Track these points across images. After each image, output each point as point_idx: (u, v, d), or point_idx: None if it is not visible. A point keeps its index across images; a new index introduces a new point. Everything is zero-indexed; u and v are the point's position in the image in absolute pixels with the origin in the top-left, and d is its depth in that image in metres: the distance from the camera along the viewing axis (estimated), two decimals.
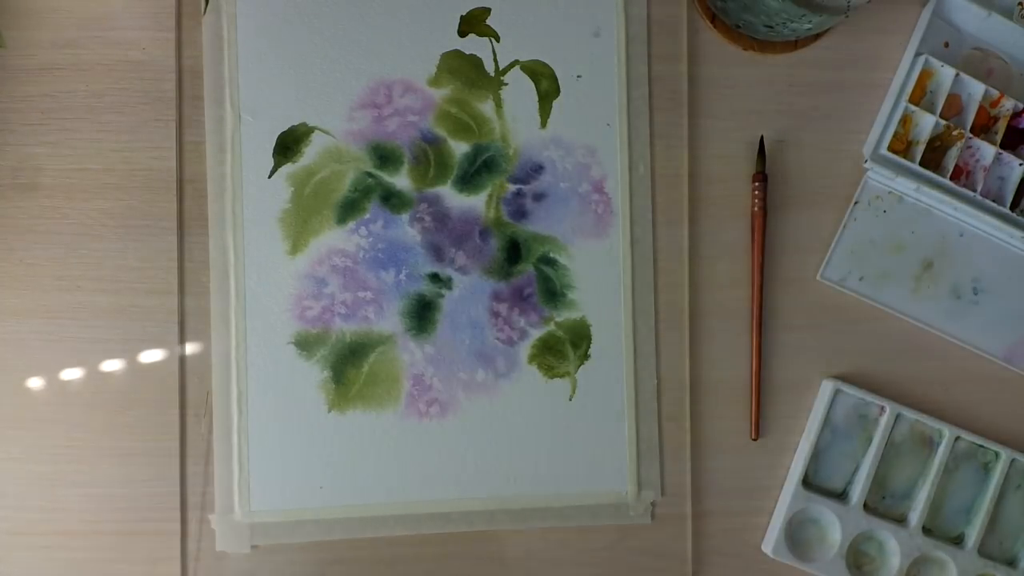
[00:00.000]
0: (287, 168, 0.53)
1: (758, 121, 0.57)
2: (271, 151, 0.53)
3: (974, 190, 0.56)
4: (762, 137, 0.56)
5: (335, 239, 0.54)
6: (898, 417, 0.57)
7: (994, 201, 0.57)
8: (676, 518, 0.56)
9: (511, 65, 0.55)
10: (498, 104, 0.55)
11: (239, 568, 0.53)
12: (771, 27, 0.53)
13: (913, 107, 0.56)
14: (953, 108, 0.57)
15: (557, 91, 0.55)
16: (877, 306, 0.58)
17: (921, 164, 0.56)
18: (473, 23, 0.55)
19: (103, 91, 0.53)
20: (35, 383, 0.52)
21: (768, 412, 0.57)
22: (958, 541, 0.58)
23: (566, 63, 0.55)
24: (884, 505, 0.57)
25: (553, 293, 0.55)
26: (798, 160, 0.58)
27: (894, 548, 0.56)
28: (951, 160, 0.56)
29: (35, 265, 0.52)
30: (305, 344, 0.53)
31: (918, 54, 0.57)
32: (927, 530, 0.57)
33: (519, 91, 0.55)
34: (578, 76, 0.55)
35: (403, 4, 0.54)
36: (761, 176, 0.56)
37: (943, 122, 0.56)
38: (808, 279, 0.58)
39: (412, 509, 0.54)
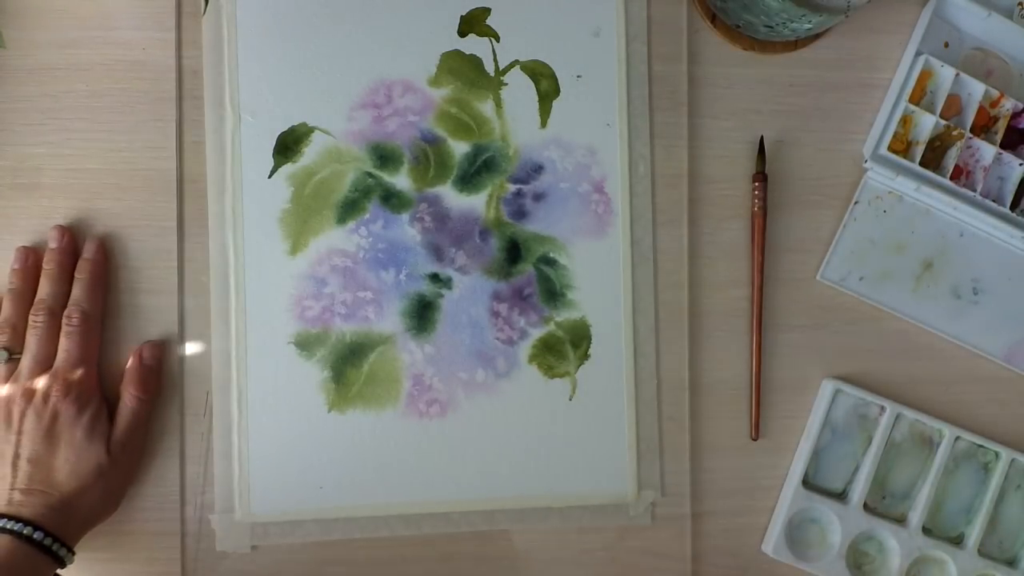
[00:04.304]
0: (287, 168, 0.53)
1: (758, 121, 0.57)
2: (271, 151, 0.53)
3: (974, 190, 0.56)
4: (762, 137, 0.56)
5: (335, 239, 0.54)
6: (898, 417, 0.57)
7: (994, 201, 0.57)
8: (676, 518, 0.56)
9: (511, 65, 0.55)
10: (498, 104, 0.55)
11: (239, 568, 0.53)
12: (771, 27, 0.53)
13: (913, 107, 0.56)
14: (953, 108, 0.57)
15: (557, 91, 0.55)
16: (877, 306, 0.58)
17: (921, 164, 0.56)
18: (473, 23, 0.55)
19: (103, 91, 0.53)
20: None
21: (768, 412, 0.57)
22: (958, 541, 0.58)
23: (566, 63, 0.55)
24: (884, 505, 0.57)
25: (553, 293, 0.55)
26: (798, 160, 0.58)
27: (894, 548, 0.56)
28: (951, 160, 0.56)
29: None
30: (305, 344, 0.53)
31: (918, 54, 0.57)
32: (927, 530, 0.57)
33: (519, 91, 0.55)
34: (578, 76, 0.55)
35: (403, 4, 0.54)
36: (761, 176, 0.56)
37: (943, 122, 0.56)
38: (808, 279, 0.58)
39: (412, 509, 0.54)
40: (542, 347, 0.55)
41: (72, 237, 0.52)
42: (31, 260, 0.51)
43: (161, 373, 0.52)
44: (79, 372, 0.48)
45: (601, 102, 0.55)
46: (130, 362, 0.51)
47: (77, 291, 0.50)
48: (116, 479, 0.50)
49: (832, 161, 0.58)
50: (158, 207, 0.53)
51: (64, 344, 0.48)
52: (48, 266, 0.50)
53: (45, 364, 0.48)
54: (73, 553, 0.47)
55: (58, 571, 0.47)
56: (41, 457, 0.47)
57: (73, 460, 0.47)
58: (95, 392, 0.49)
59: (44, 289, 0.50)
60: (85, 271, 0.51)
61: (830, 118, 0.58)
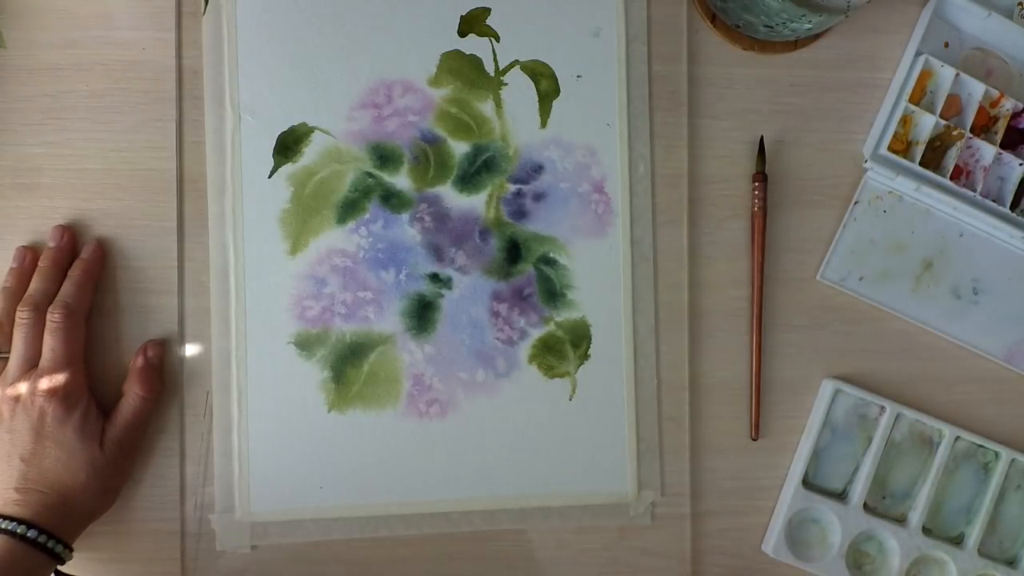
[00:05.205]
0: (287, 168, 0.53)
1: (758, 121, 0.57)
2: (271, 151, 0.53)
3: (974, 190, 0.56)
4: (762, 137, 0.56)
5: (335, 239, 0.54)
6: (898, 417, 0.57)
7: (994, 201, 0.57)
8: (676, 518, 0.56)
9: (511, 65, 0.55)
10: (498, 104, 0.55)
11: (239, 568, 0.53)
12: (771, 27, 0.53)
13: (913, 107, 0.56)
14: (953, 108, 0.57)
15: (557, 91, 0.55)
16: (877, 306, 0.58)
17: (921, 164, 0.56)
18: (473, 23, 0.55)
19: (103, 91, 0.53)
20: None
21: (768, 412, 0.57)
22: (958, 541, 0.58)
23: (566, 63, 0.55)
24: (884, 505, 0.57)
25: (553, 293, 0.55)
26: (798, 160, 0.58)
27: (894, 548, 0.56)
28: (951, 160, 0.56)
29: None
30: (305, 344, 0.53)
31: (918, 54, 0.57)
32: (927, 530, 0.57)
33: (519, 91, 0.55)
34: (578, 76, 0.55)
35: (403, 4, 0.54)
36: (761, 176, 0.56)
37: (943, 122, 0.56)
38: (808, 279, 0.58)
39: (412, 509, 0.54)
40: (542, 347, 0.55)
41: (72, 237, 0.52)
42: (28, 260, 0.51)
43: (162, 374, 0.52)
44: (65, 371, 0.48)
45: (601, 102, 0.55)
46: (134, 361, 0.51)
47: (65, 288, 0.50)
48: (112, 476, 0.49)
49: (832, 161, 0.58)
50: (158, 207, 0.53)
51: (48, 342, 0.48)
52: (43, 263, 0.50)
53: (32, 362, 0.48)
54: (71, 550, 0.47)
55: (58, 568, 0.47)
56: (34, 456, 0.47)
57: (65, 459, 0.47)
58: (83, 390, 0.49)
59: (33, 285, 0.50)
60: (78, 269, 0.51)
61: (830, 118, 0.58)
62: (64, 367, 0.48)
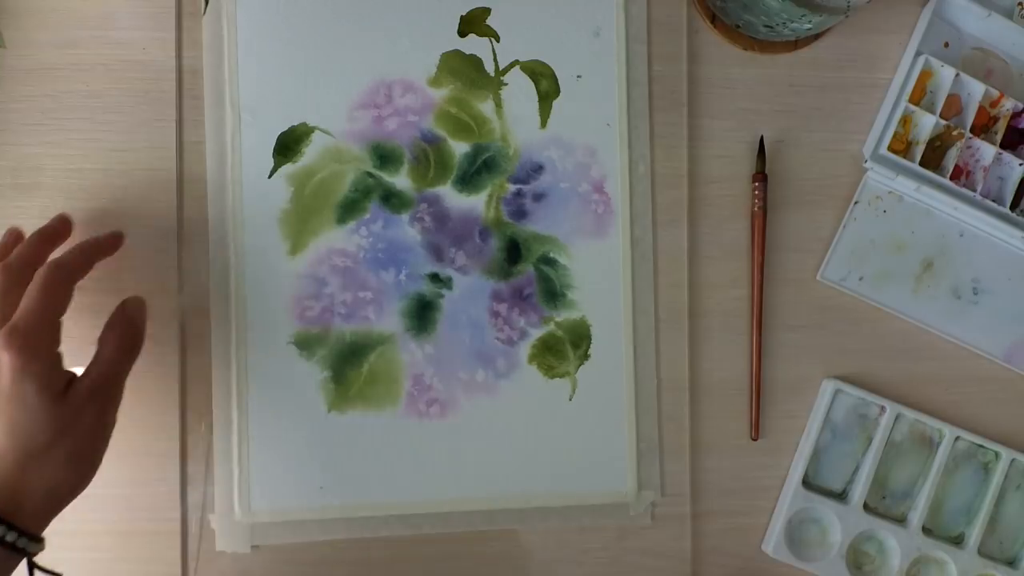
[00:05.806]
0: (287, 168, 0.53)
1: (758, 121, 0.57)
2: (271, 151, 0.53)
3: (974, 190, 0.56)
4: (762, 137, 0.56)
5: (335, 239, 0.54)
6: (898, 417, 0.57)
7: (994, 201, 0.57)
8: (676, 518, 0.56)
9: (511, 65, 0.55)
10: (498, 104, 0.55)
11: (239, 568, 0.53)
12: (771, 27, 0.53)
13: (913, 107, 0.56)
14: (953, 108, 0.57)
15: (557, 91, 0.55)
16: (877, 306, 0.58)
17: (921, 164, 0.56)
18: (473, 23, 0.55)
19: (103, 91, 0.53)
20: None
21: (768, 412, 0.57)
22: (958, 541, 0.58)
23: (566, 63, 0.55)
24: (884, 505, 0.57)
25: (553, 293, 0.55)
26: (798, 160, 0.58)
27: (894, 548, 0.56)
28: (951, 160, 0.56)
29: None
30: (305, 344, 0.53)
31: (918, 54, 0.57)
32: (927, 530, 0.57)
33: (519, 91, 0.55)
34: (578, 76, 0.55)
35: (403, 4, 0.54)
36: (761, 176, 0.56)
37: (943, 122, 0.56)
38: (808, 279, 0.58)
39: (412, 509, 0.54)
40: (542, 347, 0.55)
41: (70, 227, 0.49)
42: (12, 239, 0.48)
43: (143, 331, 0.47)
44: (34, 322, 0.41)
45: (601, 102, 0.55)
46: (112, 314, 0.46)
47: (64, 252, 0.46)
48: (81, 437, 0.42)
49: (832, 161, 0.58)
50: (158, 207, 0.53)
51: (25, 297, 0.42)
52: (30, 236, 0.47)
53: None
54: (39, 541, 0.41)
55: (36, 562, 0.42)
56: None
57: (23, 420, 0.40)
58: (51, 345, 0.42)
59: (15, 251, 0.45)
60: (84, 241, 0.47)
61: (830, 118, 0.58)
62: (34, 319, 0.41)
